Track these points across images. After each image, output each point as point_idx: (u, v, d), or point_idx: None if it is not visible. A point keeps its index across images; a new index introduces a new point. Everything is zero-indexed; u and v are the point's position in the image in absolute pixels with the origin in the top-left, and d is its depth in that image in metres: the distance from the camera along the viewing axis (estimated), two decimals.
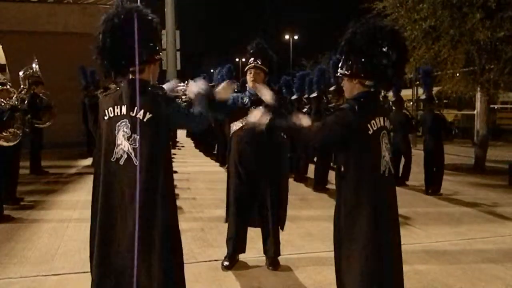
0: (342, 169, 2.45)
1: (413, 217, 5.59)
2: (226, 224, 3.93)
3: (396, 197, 2.54)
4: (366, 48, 2.37)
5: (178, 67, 17.21)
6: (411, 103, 16.71)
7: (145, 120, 2.25)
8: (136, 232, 2.21)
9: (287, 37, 44.17)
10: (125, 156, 2.28)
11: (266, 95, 3.30)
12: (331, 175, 7.56)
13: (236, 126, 3.80)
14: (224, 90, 2.84)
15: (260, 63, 3.75)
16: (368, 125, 2.36)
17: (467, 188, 7.84)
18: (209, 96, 2.50)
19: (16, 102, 5.74)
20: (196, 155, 11.95)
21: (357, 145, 2.36)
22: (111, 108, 2.33)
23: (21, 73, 7.49)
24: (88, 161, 9.87)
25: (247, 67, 3.85)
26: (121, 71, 2.32)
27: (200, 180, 8.08)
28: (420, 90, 12.22)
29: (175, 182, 7.55)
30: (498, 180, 8.52)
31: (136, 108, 2.26)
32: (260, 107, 2.82)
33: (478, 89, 9.95)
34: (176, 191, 6.98)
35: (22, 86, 7.38)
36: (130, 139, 2.27)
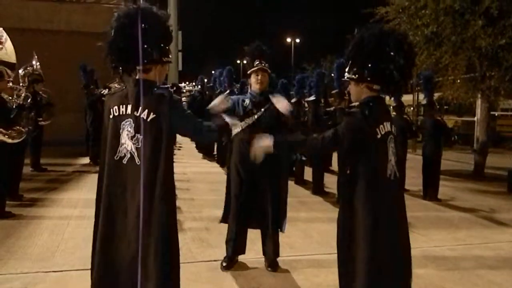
0: (348, 171, 2.48)
1: (411, 222, 5.56)
2: (226, 225, 3.95)
3: (403, 200, 2.57)
4: (373, 52, 2.41)
5: (180, 68, 17.27)
6: (412, 108, 16.74)
7: (148, 120, 2.28)
8: (140, 230, 2.23)
9: (289, 40, 44.23)
10: (128, 155, 2.30)
11: (283, 106, 3.29)
12: (327, 179, 7.59)
13: (237, 128, 3.81)
14: (219, 105, 2.89)
15: (264, 64, 3.77)
16: (377, 130, 2.40)
17: (466, 194, 7.87)
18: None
19: (24, 101, 5.77)
20: (195, 155, 11.97)
21: (366, 149, 2.40)
22: (116, 107, 2.35)
23: (21, 71, 7.50)
24: (87, 159, 9.87)
25: (252, 69, 3.80)
26: (128, 69, 2.35)
27: (199, 180, 8.10)
28: (421, 96, 12.25)
29: (175, 183, 7.55)
30: (497, 186, 8.55)
31: (140, 107, 2.28)
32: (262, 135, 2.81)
33: (479, 95, 9.99)
34: (176, 191, 7.03)
35: (21, 83, 7.39)
36: (134, 139, 2.29)
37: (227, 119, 2.75)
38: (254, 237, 4.04)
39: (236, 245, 3.86)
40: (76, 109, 11.04)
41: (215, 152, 11.14)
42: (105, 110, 2.42)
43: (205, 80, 14.17)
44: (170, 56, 2.45)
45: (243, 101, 3.80)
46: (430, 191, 7.22)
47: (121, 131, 2.32)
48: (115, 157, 2.33)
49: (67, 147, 11.44)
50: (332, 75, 8.39)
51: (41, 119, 7.86)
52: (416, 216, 5.91)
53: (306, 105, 8.80)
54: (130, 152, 2.30)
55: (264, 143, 2.66)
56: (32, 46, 8.20)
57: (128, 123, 2.30)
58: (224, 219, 3.97)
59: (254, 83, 3.81)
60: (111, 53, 2.31)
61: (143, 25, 2.20)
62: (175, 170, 6.22)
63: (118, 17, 2.29)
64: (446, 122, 8.25)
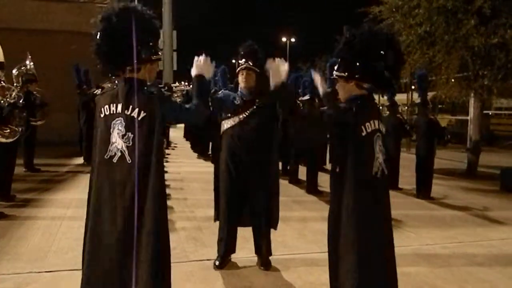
0: (337, 169, 2.51)
1: (404, 220, 5.65)
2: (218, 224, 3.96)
3: (389, 198, 2.59)
4: (363, 51, 2.44)
5: (175, 68, 17.27)
6: (406, 107, 16.83)
7: (139, 118, 2.29)
8: (135, 228, 2.23)
9: (284, 39, 44.25)
10: (119, 154, 2.31)
11: (277, 76, 2.71)
12: (322, 178, 7.62)
13: (227, 124, 3.83)
14: (200, 67, 2.71)
15: (251, 64, 3.78)
16: (363, 127, 2.44)
17: (458, 193, 7.92)
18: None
19: (15, 99, 5.75)
20: (190, 155, 11.97)
21: (352, 146, 2.43)
22: (107, 106, 2.36)
23: (14, 71, 7.47)
24: (81, 160, 9.85)
25: (238, 68, 3.86)
26: (117, 70, 2.36)
27: (194, 180, 8.09)
28: (415, 95, 12.31)
29: (169, 182, 7.54)
30: (490, 185, 8.61)
31: (131, 106, 2.30)
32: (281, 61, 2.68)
33: (472, 94, 10.05)
34: (170, 191, 7.04)
35: (15, 83, 7.35)
36: (124, 137, 2.30)
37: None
38: (247, 235, 4.05)
39: (228, 244, 3.87)
40: (70, 109, 11.01)
41: (209, 152, 11.15)
42: (96, 109, 2.43)
43: None
44: (159, 53, 2.46)
45: (234, 98, 3.82)
46: (423, 190, 7.27)
47: (111, 130, 2.33)
48: (105, 156, 2.34)
49: (61, 147, 11.41)
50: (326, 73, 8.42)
51: (34, 119, 7.83)
52: (409, 214, 5.95)
53: (300, 104, 8.82)
54: (120, 151, 2.31)
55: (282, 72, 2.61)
56: (26, 46, 8.18)
57: (119, 122, 2.31)
58: (218, 217, 3.99)
59: (240, 82, 3.85)
60: (98, 55, 2.32)
61: (129, 25, 2.20)
62: (169, 169, 6.22)
63: (102, 19, 2.30)
64: (440, 121, 8.30)
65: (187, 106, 2.50)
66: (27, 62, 7.71)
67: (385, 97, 8.21)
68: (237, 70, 3.89)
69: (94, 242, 2.35)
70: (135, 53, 2.24)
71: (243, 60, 3.81)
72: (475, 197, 7.51)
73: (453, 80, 10.12)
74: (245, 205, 3.85)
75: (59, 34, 13.23)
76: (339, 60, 2.58)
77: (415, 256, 4.37)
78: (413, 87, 15.20)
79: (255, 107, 3.75)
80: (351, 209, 2.41)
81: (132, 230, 2.24)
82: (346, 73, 2.51)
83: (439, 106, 17.57)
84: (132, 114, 2.29)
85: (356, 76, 2.48)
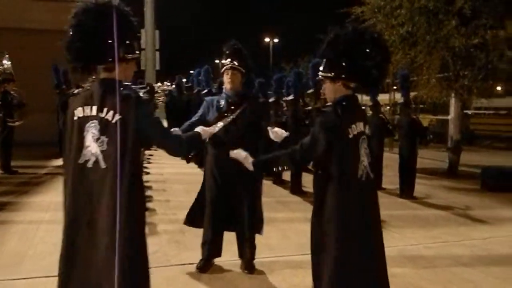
0: (320, 171, 2.47)
1: (388, 220, 5.64)
2: (202, 227, 3.88)
3: (377, 201, 2.56)
4: (349, 49, 2.41)
5: (157, 67, 17.06)
6: (388, 107, 16.97)
7: (113, 121, 2.16)
8: (117, 236, 2.13)
9: (267, 40, 44.28)
10: (93, 158, 2.18)
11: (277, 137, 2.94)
12: (306, 179, 7.59)
13: (212, 129, 3.75)
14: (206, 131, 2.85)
15: (237, 64, 3.71)
16: (349, 129, 2.40)
17: (441, 192, 8.00)
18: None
19: None
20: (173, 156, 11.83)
21: (337, 149, 2.39)
22: (80, 108, 2.23)
23: None
24: (60, 161, 9.64)
25: (223, 68, 3.78)
26: (87, 69, 2.26)
27: (176, 181, 7.98)
28: (398, 95, 12.40)
29: (151, 184, 7.39)
30: (471, 184, 8.71)
31: (105, 108, 2.18)
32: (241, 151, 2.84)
33: (452, 94, 10.17)
34: (152, 192, 6.90)
35: None
36: (99, 141, 2.18)
37: (200, 129, 2.70)
38: (230, 238, 3.98)
39: (211, 248, 3.79)
40: (49, 109, 10.78)
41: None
42: (69, 111, 2.29)
43: (184, 80, 14.06)
44: (136, 52, 2.36)
45: (218, 102, 3.74)
46: (406, 189, 7.31)
47: (85, 133, 2.20)
48: (79, 161, 2.21)
49: (39, 148, 11.14)
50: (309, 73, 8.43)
51: (11, 119, 7.63)
52: (392, 214, 5.96)
53: (284, 104, 8.80)
54: (95, 155, 2.18)
55: (243, 160, 2.75)
56: (4, 45, 7.98)
57: (93, 125, 2.19)
58: (188, 222, 3.91)
59: (226, 82, 3.78)
60: (69, 52, 2.21)
61: (105, 21, 2.11)
62: (151, 170, 6.08)
63: (75, 14, 2.20)
64: (422, 121, 8.37)
65: (168, 130, 2.44)
66: (4, 61, 7.53)
67: (368, 97, 8.31)
68: (221, 70, 3.82)
69: (70, 249, 2.23)
70: (116, 51, 2.12)
71: (228, 59, 3.73)
72: (457, 196, 7.59)
73: (434, 80, 10.23)
74: (230, 211, 3.78)
75: (39, 33, 12.94)
76: (324, 60, 2.53)
77: (400, 257, 4.36)
78: (395, 87, 15.33)
79: (238, 111, 3.66)
80: (334, 211, 2.38)
81: (111, 236, 2.13)
82: (333, 73, 2.48)
83: (421, 106, 17.77)
84: (106, 117, 2.17)
85: (343, 75, 2.44)
